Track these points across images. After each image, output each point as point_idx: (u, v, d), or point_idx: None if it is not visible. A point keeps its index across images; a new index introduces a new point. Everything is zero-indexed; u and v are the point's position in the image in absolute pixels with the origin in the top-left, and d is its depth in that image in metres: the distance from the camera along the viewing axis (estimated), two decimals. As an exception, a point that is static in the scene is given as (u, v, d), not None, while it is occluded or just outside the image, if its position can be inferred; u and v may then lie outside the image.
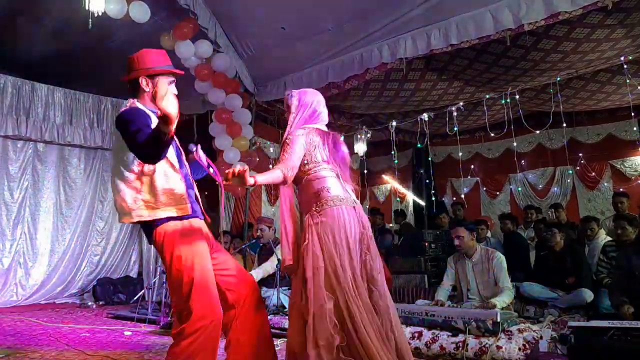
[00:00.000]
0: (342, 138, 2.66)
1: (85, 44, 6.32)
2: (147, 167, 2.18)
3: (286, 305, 4.54)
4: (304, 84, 6.24)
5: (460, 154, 7.67)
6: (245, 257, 5.99)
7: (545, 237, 4.77)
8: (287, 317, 4.19)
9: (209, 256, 2.28)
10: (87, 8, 4.62)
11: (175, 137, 2.15)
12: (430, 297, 4.65)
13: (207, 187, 2.60)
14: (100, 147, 7.51)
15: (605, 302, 4.20)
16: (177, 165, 2.29)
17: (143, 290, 5.91)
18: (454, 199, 9.27)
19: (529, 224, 6.53)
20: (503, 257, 4.14)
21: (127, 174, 2.20)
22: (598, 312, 4.22)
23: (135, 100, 2.30)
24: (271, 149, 7.80)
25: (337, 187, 2.43)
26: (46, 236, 7.17)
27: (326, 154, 2.46)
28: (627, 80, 5.36)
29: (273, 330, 2.50)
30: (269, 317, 2.50)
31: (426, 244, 5.46)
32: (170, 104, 1.87)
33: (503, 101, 5.96)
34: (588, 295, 4.21)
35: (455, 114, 6.17)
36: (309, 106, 2.55)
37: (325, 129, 2.60)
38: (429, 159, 8.36)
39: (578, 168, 8.08)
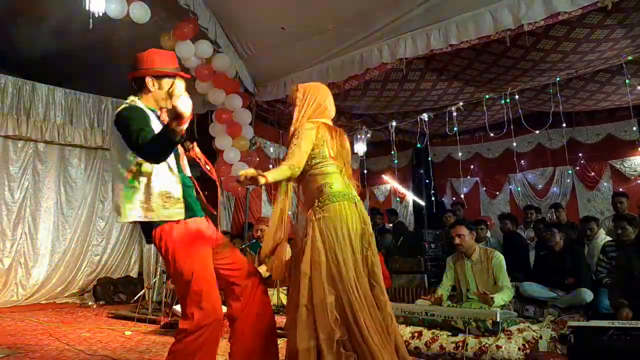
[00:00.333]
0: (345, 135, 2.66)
1: (85, 44, 6.33)
2: (145, 168, 2.18)
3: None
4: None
5: (460, 154, 7.68)
6: (245, 257, 5.98)
7: (545, 237, 4.77)
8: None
9: (210, 255, 2.29)
10: (87, 8, 4.63)
11: None
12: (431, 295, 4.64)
13: (207, 187, 2.59)
14: (101, 147, 7.51)
15: (604, 302, 4.20)
16: (174, 167, 2.29)
17: (143, 290, 5.91)
18: (454, 199, 9.27)
19: (528, 224, 6.53)
20: (502, 257, 4.14)
21: (124, 173, 2.21)
22: (598, 312, 4.22)
23: (136, 98, 2.31)
24: (271, 149, 7.80)
25: (340, 183, 2.44)
26: (47, 236, 7.17)
27: (333, 150, 2.46)
28: (627, 81, 5.37)
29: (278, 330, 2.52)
30: (272, 315, 2.52)
31: (426, 244, 5.47)
32: (185, 104, 1.90)
33: (503, 101, 5.96)
34: (588, 295, 4.21)
35: (455, 114, 6.17)
36: (314, 100, 2.54)
37: (331, 123, 2.59)
38: (429, 159, 8.36)
39: (578, 168, 8.09)
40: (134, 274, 7.83)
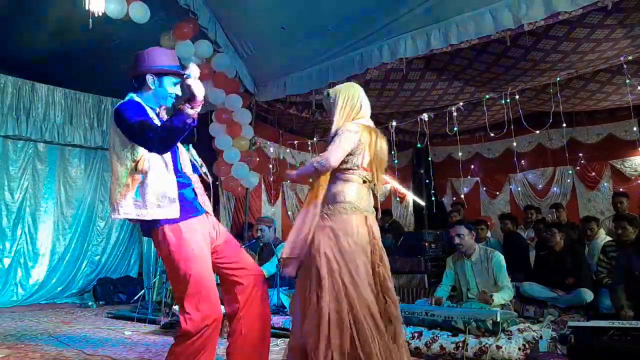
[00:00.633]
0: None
1: (85, 44, 6.32)
2: (141, 166, 2.18)
3: (286, 305, 4.54)
4: (304, 84, 6.24)
5: (460, 154, 7.67)
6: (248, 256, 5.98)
7: (545, 237, 4.77)
8: (286, 316, 4.21)
9: (208, 255, 2.29)
10: (87, 8, 4.63)
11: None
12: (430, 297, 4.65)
13: (206, 187, 2.59)
14: (101, 147, 7.52)
15: (605, 302, 4.20)
16: (171, 166, 2.28)
17: (143, 290, 5.91)
18: (454, 199, 9.26)
19: (529, 224, 6.53)
20: (502, 257, 4.15)
21: (120, 170, 2.20)
22: (598, 312, 4.22)
23: (135, 95, 2.31)
24: (271, 149, 7.79)
25: (356, 194, 2.40)
26: (46, 236, 7.17)
27: (370, 154, 2.42)
28: (627, 81, 5.36)
29: (273, 330, 2.52)
30: (270, 314, 2.52)
31: (426, 244, 5.46)
32: (200, 87, 2.01)
33: (503, 101, 5.95)
34: (588, 295, 4.21)
35: (455, 114, 6.16)
36: (347, 100, 2.49)
37: (372, 123, 2.54)
38: (429, 159, 8.35)
39: (578, 168, 8.08)
40: (133, 274, 7.84)
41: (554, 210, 6.46)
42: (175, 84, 2.37)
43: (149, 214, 2.16)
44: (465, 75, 6.12)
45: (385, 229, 7.61)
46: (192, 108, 1.99)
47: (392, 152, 7.15)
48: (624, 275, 3.82)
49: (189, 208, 2.26)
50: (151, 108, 2.30)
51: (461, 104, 6.17)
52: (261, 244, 5.26)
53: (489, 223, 6.50)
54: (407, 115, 7.13)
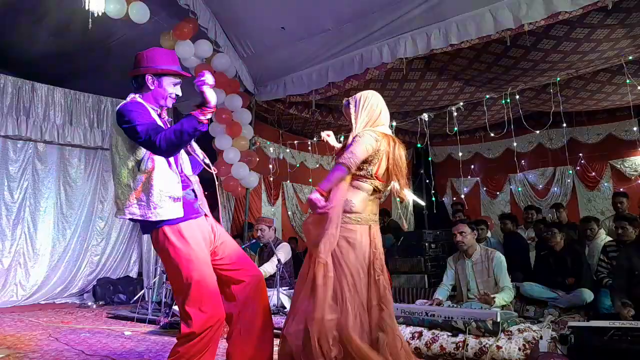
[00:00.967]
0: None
1: (85, 44, 6.33)
2: (144, 166, 2.18)
3: (286, 305, 4.54)
4: (304, 84, 6.24)
5: (460, 154, 7.67)
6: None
7: (545, 237, 4.77)
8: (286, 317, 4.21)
9: (208, 257, 2.28)
10: (87, 8, 4.63)
11: None
12: (430, 297, 4.64)
13: (206, 186, 2.59)
14: (100, 147, 7.51)
15: (605, 303, 4.20)
16: (174, 166, 2.28)
17: (143, 290, 5.91)
18: (454, 199, 9.27)
19: (529, 224, 6.53)
20: (503, 257, 4.14)
21: (123, 170, 2.20)
22: (598, 312, 4.21)
23: (137, 95, 2.31)
24: (271, 149, 7.80)
25: (363, 204, 2.41)
26: (46, 236, 7.17)
27: (382, 169, 2.44)
28: (628, 80, 5.36)
29: (274, 331, 2.51)
30: (270, 315, 2.51)
31: (426, 244, 5.46)
32: (213, 95, 2.05)
33: (503, 101, 5.96)
34: (588, 295, 4.20)
35: (455, 114, 6.17)
36: (367, 107, 2.52)
37: (390, 131, 2.56)
38: (429, 159, 8.36)
39: (578, 168, 8.08)
40: (133, 274, 7.83)
41: (554, 210, 6.46)
42: (175, 85, 2.36)
43: (153, 215, 2.16)
44: (465, 75, 6.12)
45: (384, 229, 7.61)
46: (204, 114, 2.02)
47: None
48: (625, 275, 3.82)
49: (189, 209, 2.26)
50: (153, 108, 2.30)
51: (461, 104, 6.17)
52: (261, 244, 5.26)
53: (489, 223, 6.50)
54: (407, 115, 7.13)
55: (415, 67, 5.87)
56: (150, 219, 2.17)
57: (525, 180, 8.72)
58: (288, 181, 8.24)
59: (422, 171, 9.12)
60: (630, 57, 5.03)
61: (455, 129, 6.29)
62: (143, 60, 2.32)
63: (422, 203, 9.01)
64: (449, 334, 3.36)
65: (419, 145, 8.08)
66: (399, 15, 5.09)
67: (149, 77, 2.30)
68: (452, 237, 4.37)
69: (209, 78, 2.07)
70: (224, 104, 6.48)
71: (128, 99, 2.30)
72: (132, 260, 7.97)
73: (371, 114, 2.51)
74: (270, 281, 4.81)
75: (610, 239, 4.78)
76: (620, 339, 2.81)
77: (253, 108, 6.87)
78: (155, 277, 6.26)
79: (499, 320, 3.23)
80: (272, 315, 3.05)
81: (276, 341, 2.47)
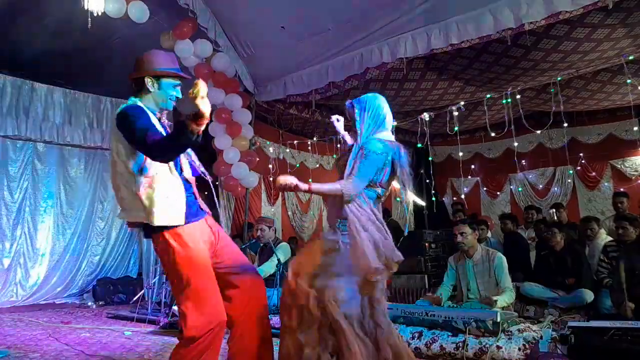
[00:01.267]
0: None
1: (85, 44, 6.32)
2: (146, 170, 2.17)
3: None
4: (304, 84, 6.23)
5: (460, 153, 7.66)
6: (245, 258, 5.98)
7: (546, 237, 4.77)
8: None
9: (209, 260, 2.28)
10: (86, 8, 4.62)
11: None
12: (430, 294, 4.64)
13: (206, 186, 2.58)
14: (100, 147, 7.51)
15: (605, 303, 4.20)
16: (176, 169, 2.28)
17: (143, 290, 5.91)
18: (454, 199, 9.26)
19: (529, 224, 6.52)
20: (504, 258, 4.14)
21: (125, 174, 2.19)
22: (598, 313, 4.21)
23: (137, 99, 2.30)
24: (271, 149, 7.79)
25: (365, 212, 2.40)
26: (46, 236, 7.17)
27: (386, 177, 2.42)
28: (628, 80, 5.36)
29: (273, 331, 2.50)
30: (269, 317, 2.51)
31: (426, 244, 5.45)
32: (206, 105, 1.91)
33: (503, 101, 5.95)
34: (588, 295, 4.20)
35: (455, 114, 6.16)
36: (372, 110, 2.49)
37: (393, 137, 2.54)
38: (429, 158, 8.35)
39: (578, 168, 8.07)
40: (133, 274, 7.84)
41: (554, 210, 6.45)
42: (174, 87, 2.36)
43: (154, 219, 2.14)
44: (466, 75, 6.11)
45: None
46: (199, 125, 1.95)
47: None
48: (625, 275, 3.81)
49: (190, 212, 2.26)
50: (152, 112, 2.29)
51: (461, 104, 6.16)
52: (261, 244, 5.26)
53: (489, 223, 6.49)
54: (408, 115, 7.12)
55: (415, 67, 5.87)
56: (152, 223, 2.16)
57: (526, 180, 8.71)
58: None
59: (422, 171, 9.11)
60: (631, 57, 5.02)
61: (456, 128, 6.28)
62: (142, 63, 2.31)
63: (422, 203, 9.02)
64: (449, 334, 3.36)
65: (419, 145, 8.06)
66: (399, 15, 5.08)
67: (148, 80, 2.29)
68: (453, 237, 4.36)
69: (202, 87, 1.98)
70: (223, 104, 6.47)
71: (129, 102, 2.29)
72: (132, 260, 7.97)
73: (376, 118, 2.49)
74: (270, 281, 4.81)
75: (611, 239, 4.77)
76: (621, 339, 2.81)
77: (253, 108, 6.86)
78: (155, 277, 6.26)
79: (499, 320, 3.22)
80: (272, 315, 3.06)
81: (277, 341, 2.46)
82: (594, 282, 4.40)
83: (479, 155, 9.25)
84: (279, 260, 4.68)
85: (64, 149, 7.41)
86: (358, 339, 2.17)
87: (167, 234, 2.17)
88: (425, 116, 6.35)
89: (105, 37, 6.25)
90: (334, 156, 7.57)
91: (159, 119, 2.32)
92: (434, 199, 8.26)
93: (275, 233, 5.28)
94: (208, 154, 6.17)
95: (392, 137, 2.53)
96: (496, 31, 4.57)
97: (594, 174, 8.02)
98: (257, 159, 6.81)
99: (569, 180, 8.23)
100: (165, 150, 2.05)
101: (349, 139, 2.84)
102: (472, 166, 9.26)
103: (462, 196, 8.67)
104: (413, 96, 6.65)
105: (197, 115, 1.90)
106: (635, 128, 7.14)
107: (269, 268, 4.85)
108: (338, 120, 2.84)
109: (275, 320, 4.16)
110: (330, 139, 7.81)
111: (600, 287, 4.31)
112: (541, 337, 3.32)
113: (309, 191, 2.24)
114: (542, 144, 8.45)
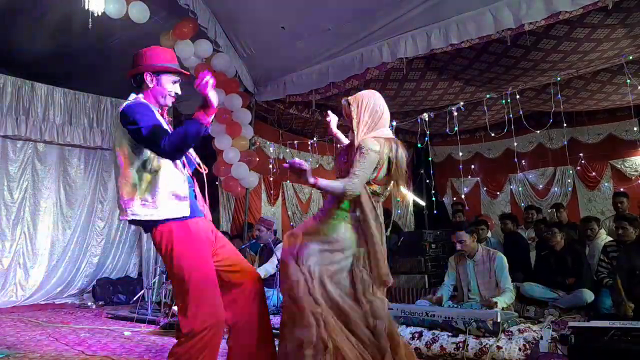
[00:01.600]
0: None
1: (85, 44, 6.32)
2: (151, 166, 2.17)
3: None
4: (304, 84, 6.24)
5: (460, 154, 7.66)
6: (245, 258, 5.98)
7: (546, 237, 4.77)
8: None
9: (210, 256, 2.27)
10: (86, 8, 4.62)
11: None
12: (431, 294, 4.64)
13: (200, 179, 2.58)
14: (100, 147, 7.50)
15: (605, 303, 4.20)
16: (180, 165, 2.28)
17: (143, 291, 5.91)
18: (454, 199, 9.26)
19: (529, 224, 6.52)
20: (505, 258, 4.14)
21: (128, 170, 2.19)
22: (598, 313, 4.21)
23: (140, 96, 2.30)
24: (271, 149, 7.79)
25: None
26: (46, 236, 7.16)
27: (382, 174, 2.41)
28: (628, 80, 5.36)
29: (273, 331, 2.50)
30: (269, 317, 2.50)
31: (426, 244, 5.45)
32: (215, 97, 1.99)
33: (503, 101, 5.95)
34: (588, 295, 4.20)
35: (455, 114, 6.16)
36: (369, 108, 2.47)
37: (391, 134, 2.52)
38: (429, 159, 8.35)
39: (578, 168, 8.07)
40: (133, 274, 7.82)
41: (554, 210, 6.45)
42: (174, 82, 2.35)
43: (158, 214, 2.14)
44: (466, 75, 6.11)
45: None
46: (207, 115, 2.00)
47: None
48: (625, 275, 3.81)
49: (193, 208, 2.26)
50: (154, 108, 2.29)
51: (461, 104, 6.17)
52: (261, 245, 5.26)
53: (489, 223, 6.49)
54: (407, 115, 7.12)
55: (415, 67, 5.87)
56: (154, 218, 2.15)
57: (526, 180, 8.71)
58: (288, 181, 8.23)
59: (422, 171, 9.12)
60: (631, 57, 5.03)
61: (456, 128, 6.28)
62: (141, 59, 2.31)
63: (422, 203, 9.02)
64: (449, 334, 3.36)
65: (419, 145, 8.06)
66: (399, 15, 5.08)
67: (148, 75, 2.29)
68: (453, 241, 4.37)
69: (210, 80, 2.03)
70: (223, 104, 6.47)
71: (131, 98, 2.29)
72: (132, 261, 7.95)
73: (373, 116, 2.46)
74: (270, 281, 4.81)
75: (611, 239, 4.77)
76: (621, 339, 2.80)
77: (253, 108, 6.86)
78: (155, 277, 6.26)
79: (499, 320, 3.22)
80: (272, 316, 3.06)
81: (277, 341, 2.46)
82: (594, 282, 4.40)
83: (479, 155, 9.25)
84: (279, 260, 4.68)
85: (64, 149, 7.40)
86: (348, 335, 2.18)
87: (169, 228, 2.17)
88: (425, 116, 6.35)
89: (106, 38, 6.25)
90: (334, 156, 7.55)
91: (162, 115, 2.33)
92: (434, 199, 8.25)
93: (275, 234, 5.29)
94: (208, 153, 6.16)
95: (391, 134, 2.51)
96: (496, 31, 4.57)
97: (594, 174, 8.02)
98: (257, 159, 6.81)
99: (569, 180, 8.23)
100: (176, 145, 2.06)
101: (342, 138, 2.84)
102: (472, 166, 9.26)
103: (462, 196, 8.68)
104: (413, 96, 6.66)
105: (205, 106, 1.94)
106: (635, 128, 7.15)
107: (269, 268, 4.85)
108: (330, 121, 2.80)
109: (275, 320, 4.17)
110: (330, 139, 7.81)
111: (600, 287, 4.31)
112: (541, 337, 3.31)
113: (315, 185, 2.23)
114: (542, 144, 8.45)
